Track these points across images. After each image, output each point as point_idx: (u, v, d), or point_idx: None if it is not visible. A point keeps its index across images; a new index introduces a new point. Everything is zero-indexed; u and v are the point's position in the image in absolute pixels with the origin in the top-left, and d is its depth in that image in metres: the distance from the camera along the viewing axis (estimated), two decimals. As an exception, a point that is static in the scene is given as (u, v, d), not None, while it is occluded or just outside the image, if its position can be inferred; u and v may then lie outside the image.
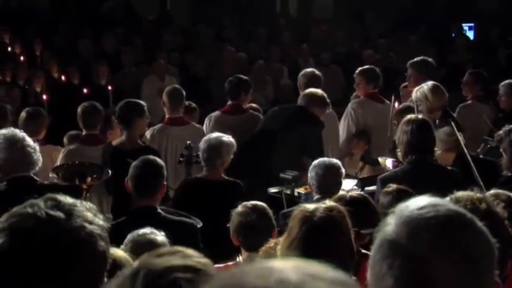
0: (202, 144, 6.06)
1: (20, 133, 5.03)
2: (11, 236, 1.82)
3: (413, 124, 5.40)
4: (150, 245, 3.60)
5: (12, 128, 5.18)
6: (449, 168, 5.64)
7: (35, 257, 1.80)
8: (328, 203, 3.39)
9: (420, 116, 5.62)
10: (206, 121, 7.78)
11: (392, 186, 4.62)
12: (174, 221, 4.88)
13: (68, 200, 1.91)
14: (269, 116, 7.70)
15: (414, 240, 1.64)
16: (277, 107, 8.14)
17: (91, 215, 1.90)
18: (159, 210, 4.87)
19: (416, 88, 6.97)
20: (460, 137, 6.16)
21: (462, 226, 1.68)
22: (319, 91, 7.51)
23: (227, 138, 6.08)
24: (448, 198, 2.69)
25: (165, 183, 4.96)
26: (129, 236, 3.78)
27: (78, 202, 1.92)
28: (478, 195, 2.88)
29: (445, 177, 5.33)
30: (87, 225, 1.86)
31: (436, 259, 1.62)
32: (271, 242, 3.82)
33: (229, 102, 7.81)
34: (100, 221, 1.91)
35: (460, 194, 2.84)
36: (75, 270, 1.80)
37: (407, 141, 5.39)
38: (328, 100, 7.48)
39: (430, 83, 7.03)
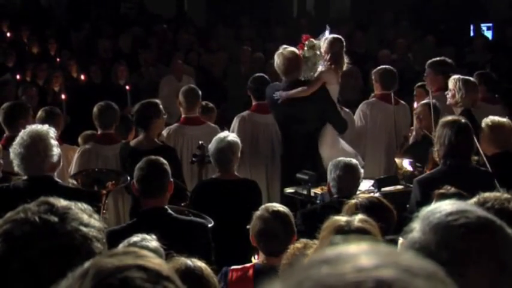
0: (213, 146, 6.03)
1: (46, 132, 4.97)
2: (6, 243, 1.80)
3: (455, 127, 5.33)
4: None
5: (40, 126, 5.11)
6: (482, 169, 5.56)
7: (31, 264, 1.77)
8: (361, 215, 3.35)
9: (463, 120, 5.53)
10: (236, 120, 7.66)
11: (451, 189, 4.32)
12: (184, 221, 4.85)
13: (61, 202, 1.88)
14: None
15: (444, 248, 1.60)
16: None
17: (86, 216, 1.86)
18: (169, 211, 4.81)
19: (458, 76, 6.93)
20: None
21: (493, 234, 1.65)
22: None
23: (235, 137, 6.09)
24: (475, 199, 2.65)
25: (171, 180, 4.91)
26: (121, 246, 3.59)
27: (72, 204, 1.88)
28: (506, 195, 2.84)
29: (481, 179, 5.25)
30: (82, 228, 1.83)
31: (468, 267, 1.58)
32: (301, 243, 3.74)
33: (256, 102, 7.72)
34: (96, 222, 1.88)
35: (487, 194, 2.79)
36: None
37: (448, 144, 5.31)
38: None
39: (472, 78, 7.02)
